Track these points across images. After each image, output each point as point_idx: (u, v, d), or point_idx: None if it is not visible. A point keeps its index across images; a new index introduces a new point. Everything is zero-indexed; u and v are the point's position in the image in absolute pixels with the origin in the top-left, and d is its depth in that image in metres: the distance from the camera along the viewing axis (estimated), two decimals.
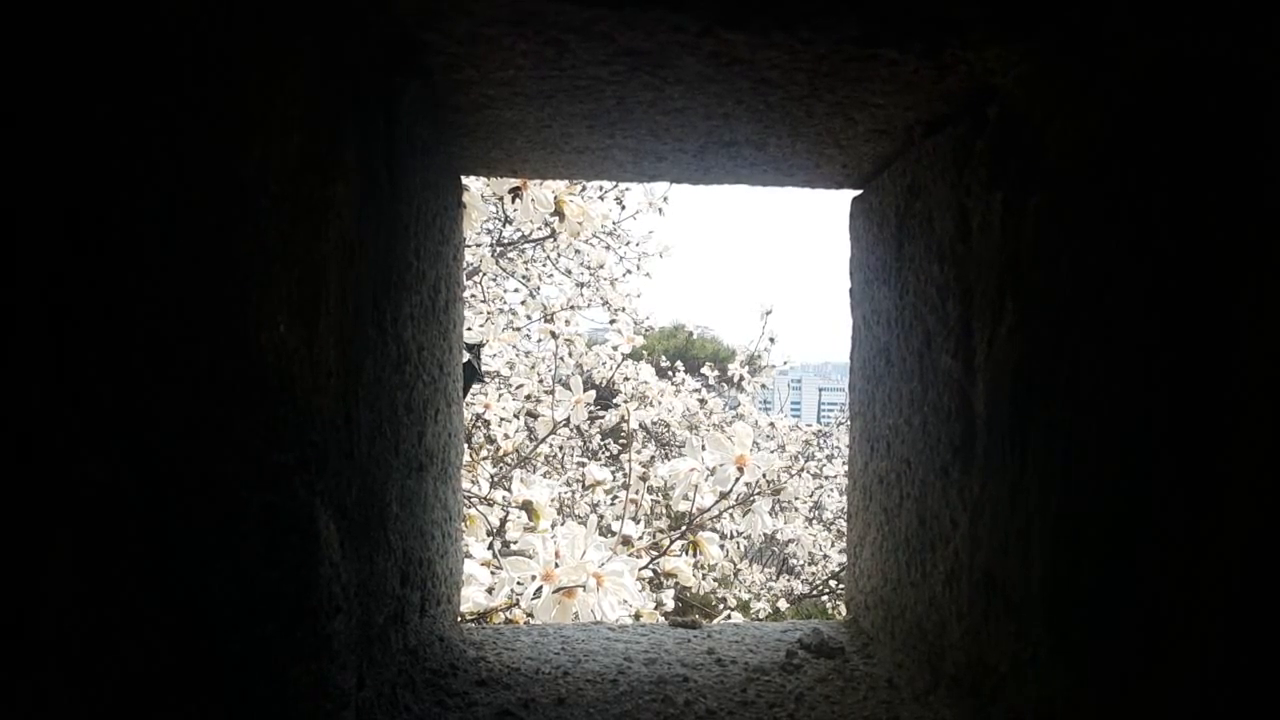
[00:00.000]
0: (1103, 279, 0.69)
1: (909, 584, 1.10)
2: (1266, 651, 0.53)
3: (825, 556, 6.33)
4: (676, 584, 2.64)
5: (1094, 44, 0.71)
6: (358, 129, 0.78)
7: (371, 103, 0.82)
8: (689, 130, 1.06)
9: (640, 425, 5.38)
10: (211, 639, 0.56)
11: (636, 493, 3.42)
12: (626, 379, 5.21)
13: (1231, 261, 0.56)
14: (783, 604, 5.57)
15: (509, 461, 3.16)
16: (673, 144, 1.12)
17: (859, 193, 1.32)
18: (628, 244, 6.29)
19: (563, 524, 2.17)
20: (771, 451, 6.41)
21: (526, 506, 2.13)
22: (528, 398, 4.04)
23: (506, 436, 3.01)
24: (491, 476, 2.80)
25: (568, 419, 2.95)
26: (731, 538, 4.95)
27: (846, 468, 1.43)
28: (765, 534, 4.81)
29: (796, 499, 5.81)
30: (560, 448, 5.01)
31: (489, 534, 2.27)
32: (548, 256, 5.18)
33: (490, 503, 2.47)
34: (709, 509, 2.38)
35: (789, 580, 6.41)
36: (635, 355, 5.45)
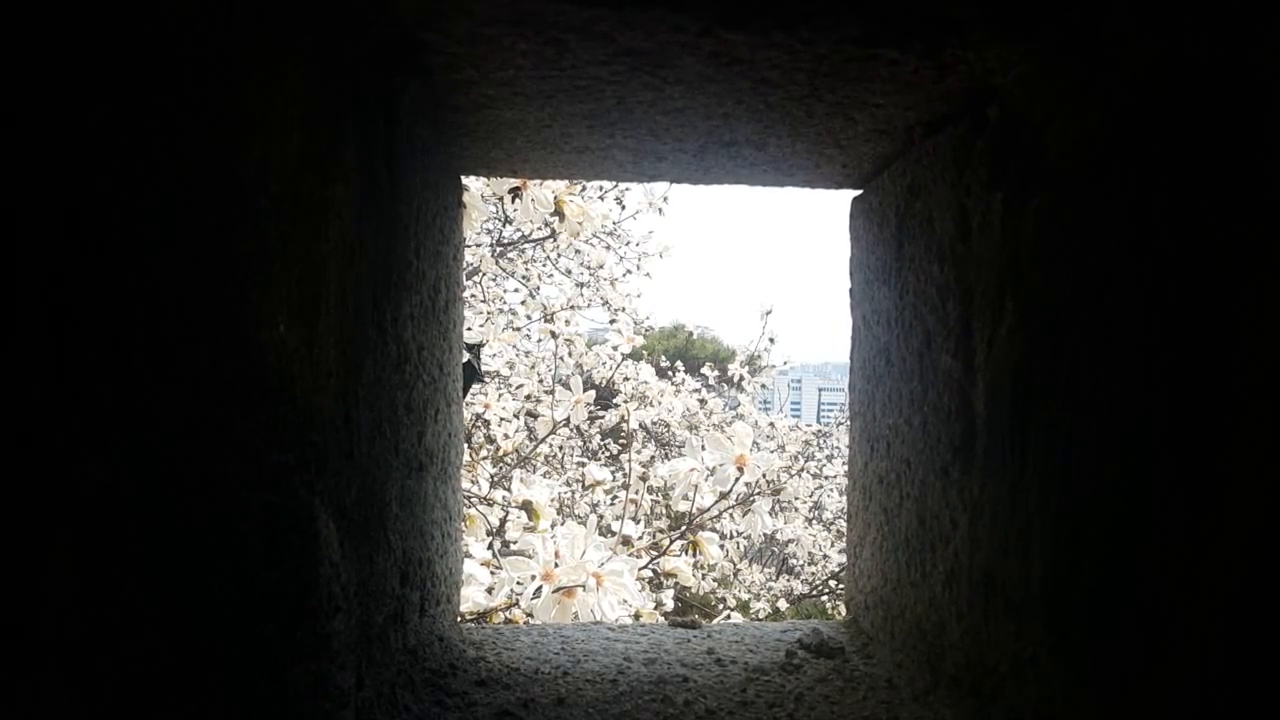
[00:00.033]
0: (1103, 279, 0.69)
1: (909, 584, 1.10)
2: (1266, 651, 0.53)
3: (825, 556, 6.33)
4: (676, 584, 2.64)
5: (1094, 44, 0.71)
6: (358, 129, 0.78)
7: (371, 103, 0.82)
8: (689, 130, 1.06)
9: (640, 425, 5.38)
10: (211, 639, 0.56)
11: (636, 493, 3.42)
12: (626, 379, 5.21)
13: (1231, 261, 0.56)
14: (782, 604, 5.57)
15: (509, 461, 3.16)
16: (673, 144, 1.12)
17: (859, 193, 1.32)
18: (628, 244, 6.30)
19: (562, 524, 2.17)
20: (771, 451, 6.40)
21: (526, 506, 2.13)
22: (528, 398, 4.04)
23: (506, 436, 3.01)
24: (491, 476, 2.80)
25: (567, 419, 2.95)
26: (731, 538, 4.95)
27: (846, 468, 1.43)
28: (765, 534, 4.81)
29: (796, 499, 5.81)
30: (560, 448, 5.01)
31: (489, 534, 2.27)
32: (548, 256, 5.18)
33: (490, 503, 2.47)
34: (709, 509, 2.38)
35: (789, 580, 6.41)
36: (635, 355, 5.45)
